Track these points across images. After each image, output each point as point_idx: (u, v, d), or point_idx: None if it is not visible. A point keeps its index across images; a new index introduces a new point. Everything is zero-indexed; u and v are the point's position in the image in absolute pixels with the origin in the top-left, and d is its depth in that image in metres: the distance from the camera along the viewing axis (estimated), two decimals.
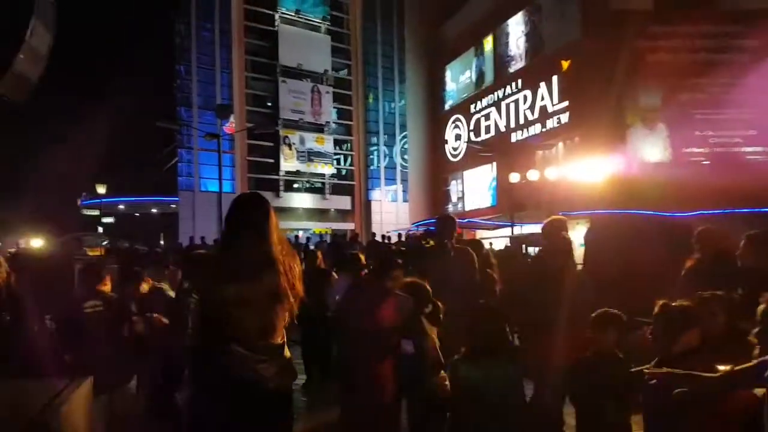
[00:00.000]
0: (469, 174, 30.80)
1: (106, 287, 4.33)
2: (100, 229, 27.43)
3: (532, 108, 25.10)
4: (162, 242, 28.06)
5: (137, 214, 34.90)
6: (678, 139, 17.86)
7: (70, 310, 4.11)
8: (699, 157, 17.89)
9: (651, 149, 18.02)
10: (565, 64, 21.93)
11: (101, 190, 25.39)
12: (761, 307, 2.26)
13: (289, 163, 30.36)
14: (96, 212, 28.24)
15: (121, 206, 32.72)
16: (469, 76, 31.07)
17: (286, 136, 30.13)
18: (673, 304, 2.76)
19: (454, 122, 32.31)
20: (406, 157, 34.05)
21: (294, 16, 30.67)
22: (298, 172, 30.92)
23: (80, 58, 21.23)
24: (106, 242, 25.07)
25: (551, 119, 23.68)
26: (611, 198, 15.94)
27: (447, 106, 33.42)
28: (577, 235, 18.46)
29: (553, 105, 23.56)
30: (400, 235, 21.93)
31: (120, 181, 28.43)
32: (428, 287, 3.90)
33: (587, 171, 17.06)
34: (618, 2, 18.20)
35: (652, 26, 17.65)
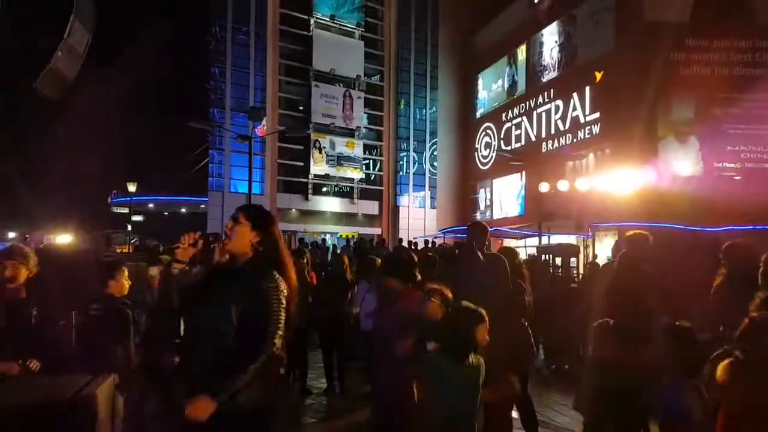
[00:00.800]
0: (498, 182, 30.97)
1: (119, 288, 4.02)
2: (129, 227, 28.06)
3: (563, 118, 25.20)
4: None
5: (166, 213, 35.82)
6: (710, 153, 17.80)
7: (83, 308, 3.90)
8: (731, 172, 17.80)
9: (682, 163, 17.98)
10: (598, 75, 22.00)
11: (132, 188, 26.14)
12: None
13: (318, 166, 30.87)
14: (125, 210, 28.84)
15: (151, 205, 33.69)
16: (501, 84, 31.29)
17: (317, 140, 30.66)
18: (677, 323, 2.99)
19: (484, 130, 32.54)
20: (435, 163, 34.31)
21: (329, 21, 31.29)
22: (327, 176, 31.40)
23: (115, 56, 21.99)
24: (134, 240, 25.79)
25: (582, 130, 23.76)
26: (641, 210, 15.99)
27: (478, 114, 33.68)
28: (605, 247, 18.60)
29: (584, 116, 23.64)
30: (426, 242, 22.16)
31: (151, 180, 29.30)
32: (449, 293, 3.95)
33: (617, 183, 17.07)
34: (653, 14, 18.22)
35: (688, 39, 17.64)
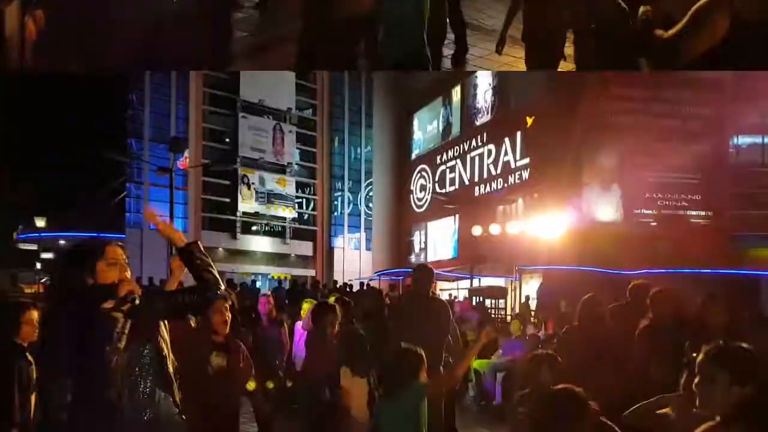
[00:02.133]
0: (432, 225, 31.50)
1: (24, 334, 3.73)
2: (39, 266, 26.89)
3: (495, 163, 26.04)
4: None
5: None
6: (629, 200, 18.96)
7: None
8: (648, 219, 19.06)
9: (605, 208, 19.05)
10: (529, 120, 22.98)
11: (40, 223, 25.01)
12: (699, 357, 2.37)
13: (247, 203, 30.32)
14: (34, 247, 27.66)
15: (62, 242, 32.30)
16: (436, 126, 31.98)
17: (245, 175, 30.16)
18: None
19: (419, 172, 33.10)
20: (370, 205, 34.55)
21: None
22: (257, 214, 30.87)
23: (26, 79, 21.38)
24: (45, 279, 24.68)
25: (513, 175, 24.61)
26: (566, 254, 16.84)
27: (413, 156, 34.28)
28: (531, 288, 19.48)
29: (515, 161, 24.51)
30: (362, 284, 22.34)
31: (62, 215, 28.15)
32: (360, 341, 4.30)
33: (544, 227, 17.99)
34: None
35: (615, 87, 18.83)
